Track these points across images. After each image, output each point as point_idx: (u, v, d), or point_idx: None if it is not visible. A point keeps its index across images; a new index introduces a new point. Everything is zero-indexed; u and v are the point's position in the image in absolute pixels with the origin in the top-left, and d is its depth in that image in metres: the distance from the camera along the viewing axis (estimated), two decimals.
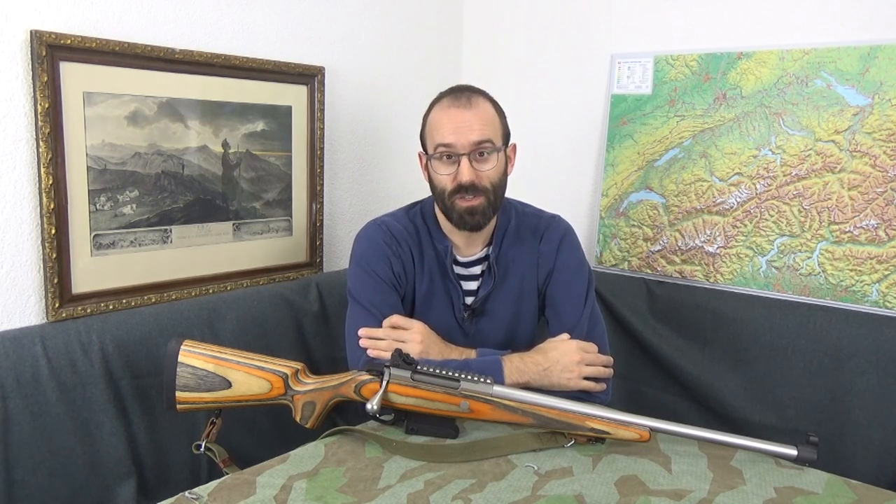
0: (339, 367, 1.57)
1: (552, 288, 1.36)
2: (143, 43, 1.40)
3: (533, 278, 1.36)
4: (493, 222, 1.34)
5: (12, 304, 1.31)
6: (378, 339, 1.26)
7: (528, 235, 1.37)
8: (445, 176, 1.26)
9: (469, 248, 1.35)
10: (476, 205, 1.25)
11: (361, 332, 1.27)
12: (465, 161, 1.23)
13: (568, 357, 1.23)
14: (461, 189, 1.24)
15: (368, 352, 1.25)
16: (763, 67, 1.68)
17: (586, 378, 1.24)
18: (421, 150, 1.35)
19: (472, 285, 1.36)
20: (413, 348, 1.23)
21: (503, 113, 1.32)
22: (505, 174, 1.31)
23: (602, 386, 1.25)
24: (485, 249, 1.36)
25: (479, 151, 1.24)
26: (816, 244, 1.63)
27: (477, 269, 1.36)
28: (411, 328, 1.26)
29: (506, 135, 1.31)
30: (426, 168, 1.33)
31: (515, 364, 1.21)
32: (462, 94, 1.28)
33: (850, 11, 1.58)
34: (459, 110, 1.25)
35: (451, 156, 1.25)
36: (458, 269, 1.36)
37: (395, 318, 1.28)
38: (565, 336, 1.28)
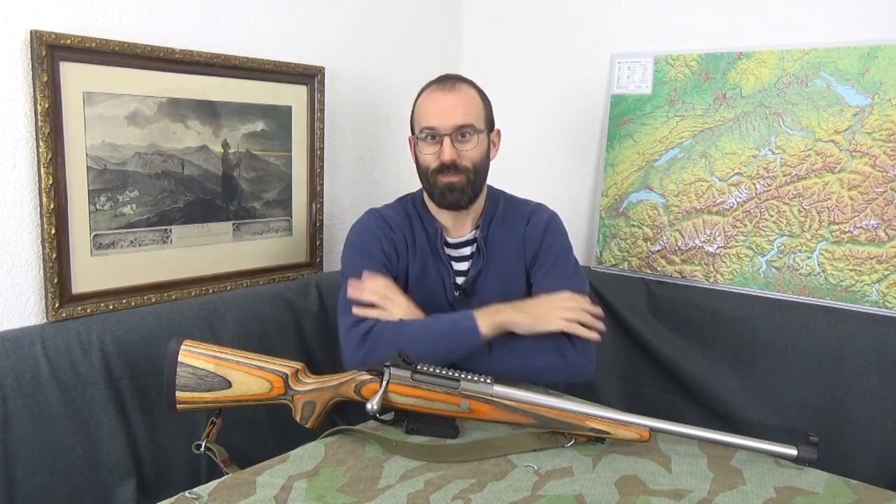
0: (339, 367, 1.57)
1: (538, 267, 1.38)
2: (143, 43, 1.40)
3: (520, 259, 1.40)
4: (480, 205, 1.40)
5: (12, 304, 1.31)
6: (364, 293, 1.28)
7: (515, 219, 1.42)
8: (429, 155, 1.33)
9: (458, 229, 1.40)
10: (455, 181, 1.31)
11: (351, 283, 1.30)
12: (447, 141, 1.30)
13: (547, 300, 1.28)
14: (443, 168, 1.30)
15: (353, 310, 1.27)
16: (763, 67, 1.68)
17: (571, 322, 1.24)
18: (410, 134, 1.40)
19: (462, 266, 1.40)
20: (396, 312, 1.26)
21: (488, 101, 1.38)
22: (487, 157, 1.37)
23: (593, 333, 1.25)
24: (473, 231, 1.41)
25: (460, 133, 1.31)
26: (816, 244, 1.63)
27: (467, 251, 1.40)
28: (398, 296, 1.29)
29: (489, 120, 1.38)
30: (414, 152, 1.39)
31: (489, 309, 1.25)
32: (447, 80, 1.36)
33: (850, 11, 1.58)
34: (444, 94, 1.32)
35: (435, 136, 1.31)
36: (449, 251, 1.40)
37: (388, 283, 1.30)
38: None
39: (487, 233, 1.39)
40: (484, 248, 1.38)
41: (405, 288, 1.37)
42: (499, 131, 1.42)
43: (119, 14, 1.39)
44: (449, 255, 1.39)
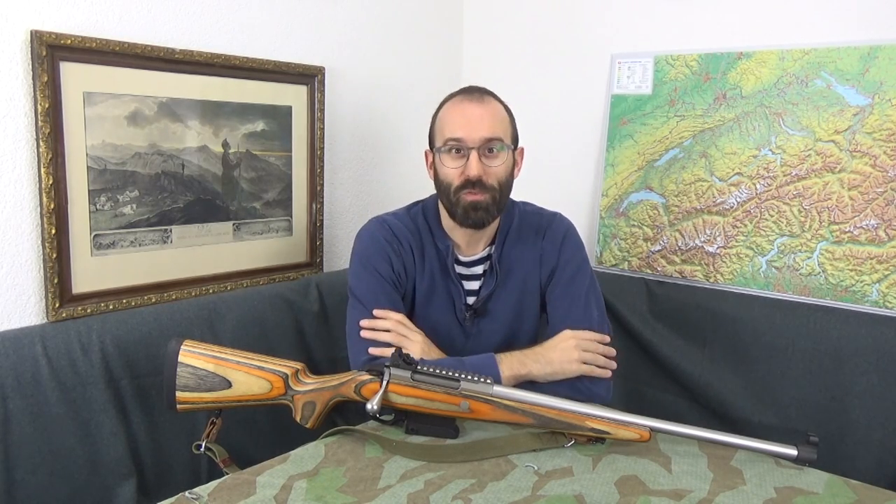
0: (339, 367, 1.57)
1: (554, 286, 1.35)
2: (143, 43, 1.40)
3: (535, 277, 1.36)
4: (496, 222, 1.34)
5: (12, 304, 1.31)
6: (379, 332, 1.26)
7: (530, 234, 1.37)
8: (453, 170, 1.25)
9: (471, 247, 1.35)
10: (481, 200, 1.24)
11: (363, 323, 1.26)
12: (473, 155, 1.23)
13: (564, 343, 1.24)
14: (468, 184, 1.23)
15: (370, 349, 1.25)
16: (763, 67, 1.68)
17: (588, 365, 1.23)
18: (427, 148, 1.35)
19: (474, 285, 1.36)
20: (413, 349, 1.23)
21: (513, 117, 1.32)
22: (512, 175, 1.31)
23: (607, 372, 1.25)
24: (487, 249, 1.36)
25: (488, 147, 1.24)
26: (816, 244, 1.63)
27: (479, 269, 1.36)
28: (414, 333, 1.26)
29: (515, 137, 1.32)
30: (432, 166, 1.33)
31: (511, 359, 1.21)
32: (475, 91, 1.29)
33: (850, 11, 1.58)
34: (472, 105, 1.26)
35: (461, 150, 1.24)
36: (460, 269, 1.35)
37: (401, 317, 1.27)
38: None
39: (502, 251, 1.34)
40: (498, 267, 1.33)
41: (412, 306, 1.35)
42: (522, 150, 1.35)
43: (119, 14, 1.39)
44: (460, 274, 1.35)
